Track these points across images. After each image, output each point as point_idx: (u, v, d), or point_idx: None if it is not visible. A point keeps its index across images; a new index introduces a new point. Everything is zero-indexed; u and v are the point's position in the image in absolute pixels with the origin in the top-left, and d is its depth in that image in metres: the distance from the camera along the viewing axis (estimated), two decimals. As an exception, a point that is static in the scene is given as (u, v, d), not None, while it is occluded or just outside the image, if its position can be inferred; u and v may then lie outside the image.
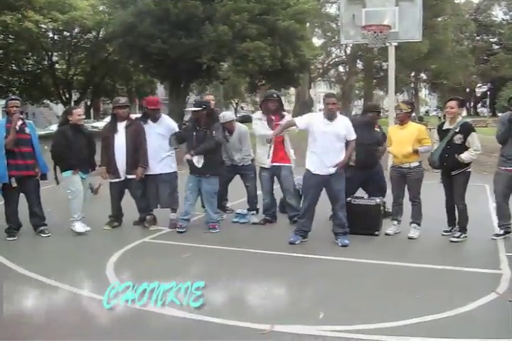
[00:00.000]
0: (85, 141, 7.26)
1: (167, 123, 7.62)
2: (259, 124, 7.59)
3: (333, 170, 6.46)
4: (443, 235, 6.93)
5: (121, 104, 7.45)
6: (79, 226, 7.17)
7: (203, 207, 7.54)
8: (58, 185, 7.35)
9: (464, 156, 6.54)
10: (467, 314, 4.34)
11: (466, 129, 6.66)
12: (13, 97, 7.19)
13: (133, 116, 7.90)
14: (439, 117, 54.75)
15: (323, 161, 6.49)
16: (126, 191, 7.60)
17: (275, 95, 7.66)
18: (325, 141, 6.47)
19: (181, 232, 7.26)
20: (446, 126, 6.82)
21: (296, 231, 6.78)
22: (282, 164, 7.55)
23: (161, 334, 4.08)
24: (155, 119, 7.52)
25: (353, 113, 44.64)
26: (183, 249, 6.46)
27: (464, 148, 6.59)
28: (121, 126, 7.36)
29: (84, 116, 7.36)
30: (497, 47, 61.31)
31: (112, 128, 7.43)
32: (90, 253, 6.46)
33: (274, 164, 7.55)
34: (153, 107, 7.51)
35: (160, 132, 7.48)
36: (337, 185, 6.57)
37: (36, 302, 4.86)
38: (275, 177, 7.75)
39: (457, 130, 6.64)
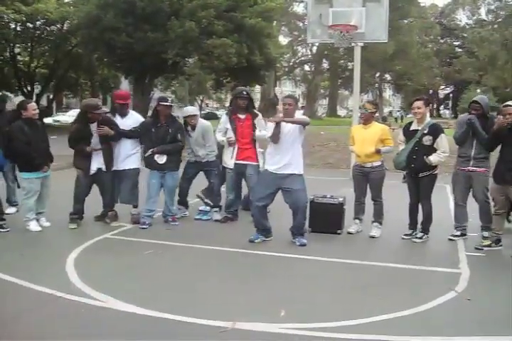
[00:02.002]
0: (42, 134, 7.10)
1: (136, 119, 7.53)
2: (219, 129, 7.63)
3: (284, 169, 6.42)
4: (403, 238, 6.87)
5: (102, 111, 7.22)
6: (34, 226, 7.04)
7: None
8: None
9: (433, 158, 6.47)
10: (426, 312, 4.40)
11: (435, 130, 6.55)
12: None
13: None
14: (396, 119, 55.30)
15: (271, 158, 6.51)
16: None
17: (245, 92, 7.61)
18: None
19: (144, 229, 7.21)
20: (413, 127, 6.71)
21: (258, 229, 6.77)
22: (248, 162, 7.49)
23: (118, 331, 4.01)
24: (123, 115, 7.42)
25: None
26: (144, 246, 6.40)
27: (432, 149, 6.50)
28: (93, 128, 7.11)
29: (38, 111, 7.11)
30: (460, 50, 62.47)
31: (85, 131, 7.09)
32: (50, 249, 6.34)
33: (238, 162, 7.52)
34: (122, 101, 7.40)
35: (128, 128, 7.37)
36: (296, 185, 6.47)
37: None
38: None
39: (426, 131, 6.54)
